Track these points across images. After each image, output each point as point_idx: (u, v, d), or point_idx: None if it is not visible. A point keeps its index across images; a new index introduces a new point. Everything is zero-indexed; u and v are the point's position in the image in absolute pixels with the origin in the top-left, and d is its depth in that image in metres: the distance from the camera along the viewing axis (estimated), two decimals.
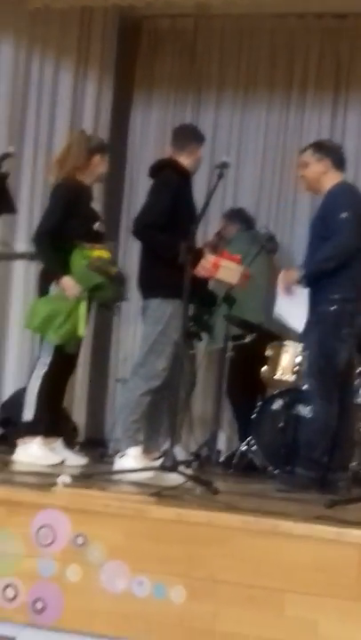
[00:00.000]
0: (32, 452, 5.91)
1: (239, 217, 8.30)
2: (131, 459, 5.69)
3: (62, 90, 8.81)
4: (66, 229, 6.03)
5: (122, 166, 9.30)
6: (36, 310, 6.02)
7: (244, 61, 9.10)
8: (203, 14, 8.85)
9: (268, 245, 7.90)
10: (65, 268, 5.99)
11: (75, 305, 5.97)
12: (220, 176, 5.55)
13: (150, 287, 5.90)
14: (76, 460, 6.10)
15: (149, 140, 9.33)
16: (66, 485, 4.51)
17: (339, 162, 6.16)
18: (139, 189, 8.73)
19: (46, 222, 6.08)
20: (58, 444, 6.13)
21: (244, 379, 7.71)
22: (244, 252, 6.84)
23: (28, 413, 6.01)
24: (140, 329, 6.45)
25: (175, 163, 6.07)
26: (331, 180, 6.08)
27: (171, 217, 5.81)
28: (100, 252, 6.02)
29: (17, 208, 7.04)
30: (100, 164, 6.25)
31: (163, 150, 8.89)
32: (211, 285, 6.57)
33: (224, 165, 5.55)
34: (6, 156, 6.39)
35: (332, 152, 6.18)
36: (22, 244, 8.07)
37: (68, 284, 5.97)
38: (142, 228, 5.90)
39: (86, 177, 6.24)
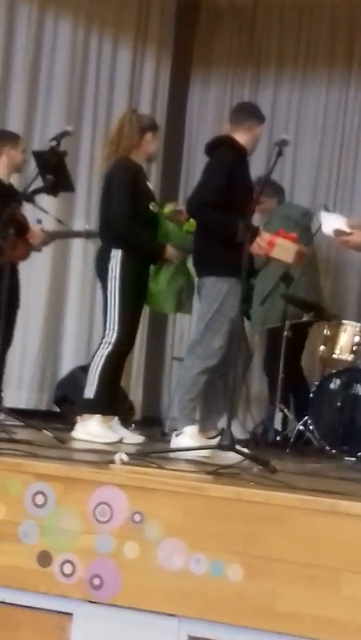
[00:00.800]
0: (91, 430, 5.94)
1: (275, 189, 8.13)
2: (187, 437, 5.69)
3: (120, 68, 8.82)
4: None
5: (179, 145, 9.29)
6: (165, 294, 6.08)
7: (304, 38, 9.03)
8: None
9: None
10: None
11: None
12: (280, 154, 5.47)
13: (206, 265, 5.87)
14: (132, 438, 6.11)
15: (207, 118, 9.31)
16: (123, 463, 4.51)
17: None
18: (196, 168, 8.71)
19: (122, 206, 6.07)
20: (114, 422, 6.15)
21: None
22: (287, 227, 6.77)
23: (89, 391, 6.03)
24: (197, 307, 6.45)
25: (231, 140, 6.01)
26: None
27: (226, 195, 5.77)
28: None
29: (75, 186, 7.06)
30: (151, 143, 6.25)
31: (220, 128, 8.92)
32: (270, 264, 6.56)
33: (283, 143, 5.46)
34: (65, 134, 6.40)
35: None
36: (80, 221, 8.10)
37: (174, 253, 6.10)
38: (197, 207, 5.87)
39: (139, 156, 6.24)
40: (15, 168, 6.96)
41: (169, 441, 5.90)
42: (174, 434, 5.81)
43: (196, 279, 6.03)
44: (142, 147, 6.21)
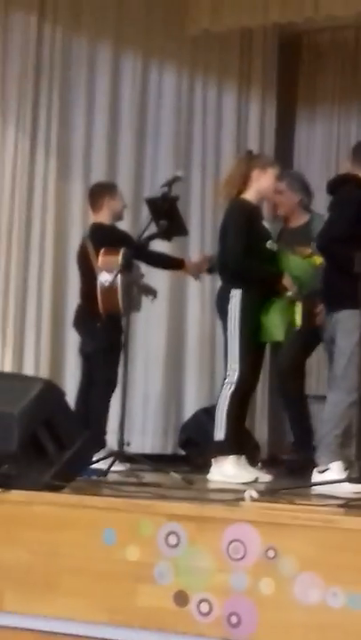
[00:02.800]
0: (226, 471, 5.97)
1: (301, 184, 7.44)
2: (334, 473, 5.62)
3: (226, 112, 8.92)
4: None
5: None
6: (276, 322, 6.13)
7: None
8: None
9: None
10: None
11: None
12: None
13: (339, 299, 5.82)
14: (262, 477, 6.10)
15: (315, 155, 9.33)
16: (253, 500, 4.52)
17: None
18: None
19: (236, 245, 6.15)
20: (243, 461, 6.15)
21: None
22: None
23: (220, 433, 6.07)
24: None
25: (355, 177, 6.05)
26: None
27: (355, 231, 5.78)
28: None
29: (188, 230, 7.14)
30: (260, 180, 6.26)
31: (328, 164, 8.93)
32: None
33: None
34: (176, 179, 6.51)
35: None
36: None
37: (290, 282, 6.16)
38: (328, 242, 5.90)
39: (252, 195, 6.27)
40: (117, 216, 7.09)
41: (295, 478, 5.88)
42: (316, 470, 5.77)
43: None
44: (253, 185, 6.25)
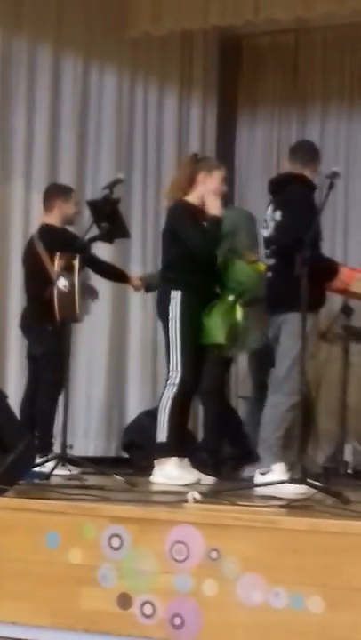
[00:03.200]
0: (168, 473, 5.96)
1: None
2: (276, 475, 5.63)
3: (167, 114, 8.94)
4: None
5: (230, 185, 9.33)
6: (217, 324, 6.12)
7: (348, 71, 9.08)
8: (303, 28, 8.85)
9: None
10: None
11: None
12: (331, 186, 5.50)
13: (289, 301, 5.66)
14: (205, 478, 6.11)
15: (256, 157, 9.38)
16: (196, 501, 4.53)
17: None
18: (248, 207, 8.75)
19: (191, 233, 6.12)
20: (186, 463, 6.16)
21: None
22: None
23: (162, 435, 6.06)
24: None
25: (300, 176, 6.06)
26: None
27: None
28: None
29: (130, 232, 7.14)
30: (206, 182, 6.26)
31: (269, 166, 8.98)
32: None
33: (334, 175, 5.49)
34: (117, 182, 6.49)
35: None
36: (136, 266, 8.19)
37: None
38: (292, 243, 5.78)
39: (195, 197, 6.28)
40: (67, 220, 7.03)
41: (239, 480, 5.89)
42: (258, 471, 5.77)
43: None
44: (199, 188, 6.26)
